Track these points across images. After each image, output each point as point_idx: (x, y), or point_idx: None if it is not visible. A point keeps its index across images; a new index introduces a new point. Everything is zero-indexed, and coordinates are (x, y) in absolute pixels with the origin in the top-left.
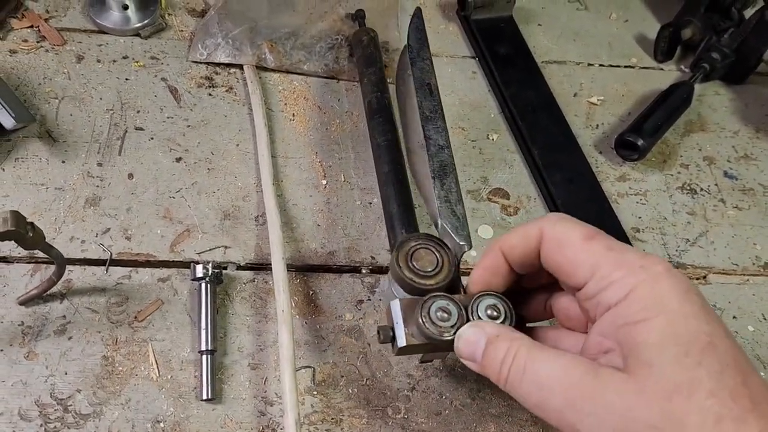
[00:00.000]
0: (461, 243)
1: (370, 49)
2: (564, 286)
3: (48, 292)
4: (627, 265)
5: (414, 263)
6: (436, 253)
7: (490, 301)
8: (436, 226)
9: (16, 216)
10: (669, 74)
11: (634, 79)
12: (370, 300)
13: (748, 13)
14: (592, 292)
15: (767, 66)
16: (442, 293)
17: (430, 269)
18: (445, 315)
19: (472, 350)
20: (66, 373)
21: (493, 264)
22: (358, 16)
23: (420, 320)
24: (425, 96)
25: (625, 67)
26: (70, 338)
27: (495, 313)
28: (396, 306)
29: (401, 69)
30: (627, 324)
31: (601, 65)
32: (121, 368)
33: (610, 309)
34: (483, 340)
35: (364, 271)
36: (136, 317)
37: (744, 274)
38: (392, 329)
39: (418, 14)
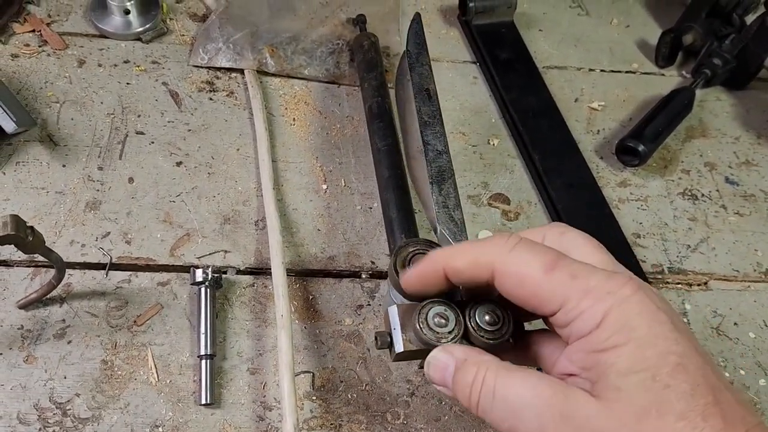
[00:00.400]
0: None
1: (371, 54)
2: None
3: (48, 296)
4: (594, 293)
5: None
6: None
7: (489, 306)
8: (435, 231)
9: (16, 220)
10: (670, 80)
11: (635, 84)
12: (369, 305)
13: (749, 19)
14: (563, 323)
15: None
16: (439, 299)
17: None
18: (443, 321)
19: (443, 376)
20: (65, 377)
21: (429, 276)
22: (359, 21)
23: (417, 326)
24: (424, 101)
25: (627, 72)
26: (69, 342)
27: (494, 319)
28: (393, 311)
29: (400, 74)
30: (596, 351)
31: (602, 71)
32: (120, 372)
33: (583, 337)
34: (452, 365)
35: (363, 276)
36: (135, 321)
37: (745, 281)
38: (390, 335)
39: (417, 19)
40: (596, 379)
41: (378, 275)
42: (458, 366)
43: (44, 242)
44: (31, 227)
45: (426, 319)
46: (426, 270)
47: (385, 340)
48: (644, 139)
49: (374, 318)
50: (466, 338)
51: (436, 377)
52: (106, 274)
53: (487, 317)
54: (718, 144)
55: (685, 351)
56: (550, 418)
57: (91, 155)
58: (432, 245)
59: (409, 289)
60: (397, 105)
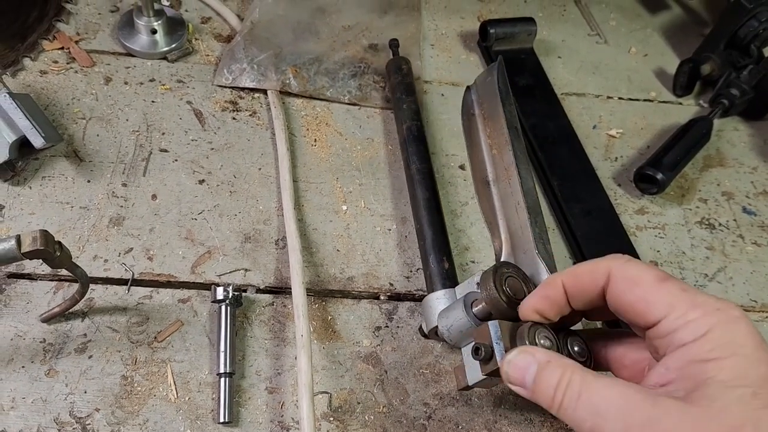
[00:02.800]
0: None
1: (409, 79)
2: (630, 325)
3: (70, 310)
4: (703, 307)
5: (507, 289)
6: (523, 284)
7: (578, 339)
8: (498, 259)
9: (46, 235)
10: (688, 109)
11: (653, 112)
12: (387, 327)
13: None
14: (666, 331)
15: None
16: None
17: (518, 298)
18: (548, 341)
19: (522, 376)
20: (85, 392)
21: (551, 295)
22: (393, 45)
23: (527, 342)
24: (515, 138)
25: (644, 100)
26: (90, 357)
27: (583, 350)
28: (495, 326)
29: (467, 106)
30: (698, 361)
31: (620, 98)
32: (139, 388)
33: (684, 346)
34: (534, 366)
35: (382, 298)
36: (156, 338)
37: (763, 311)
38: (491, 348)
39: (500, 62)
40: (693, 389)
41: (396, 297)
42: (542, 367)
43: (71, 258)
44: (59, 242)
45: (534, 337)
46: (549, 290)
47: (488, 351)
48: (663, 167)
49: (392, 340)
50: None
51: (516, 376)
52: (128, 290)
53: (576, 347)
54: (736, 174)
55: None
56: (637, 420)
57: (116, 171)
58: (520, 272)
59: (529, 314)
60: (464, 135)
